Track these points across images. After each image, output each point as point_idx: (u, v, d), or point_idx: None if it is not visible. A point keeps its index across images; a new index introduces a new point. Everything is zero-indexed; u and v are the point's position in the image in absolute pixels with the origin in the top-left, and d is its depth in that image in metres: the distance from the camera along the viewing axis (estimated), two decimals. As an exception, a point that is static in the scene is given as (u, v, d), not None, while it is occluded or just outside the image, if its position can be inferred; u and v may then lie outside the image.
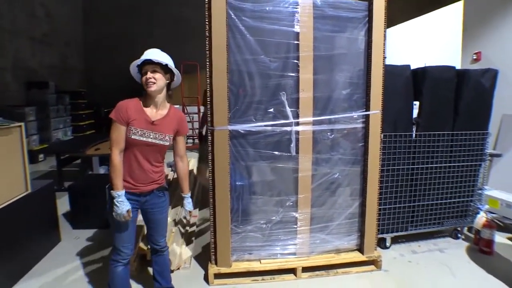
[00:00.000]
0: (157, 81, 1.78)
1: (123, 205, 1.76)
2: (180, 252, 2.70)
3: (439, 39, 5.44)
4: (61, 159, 4.68)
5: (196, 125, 8.01)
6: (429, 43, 5.69)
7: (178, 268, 2.61)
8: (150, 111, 1.83)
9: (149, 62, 1.78)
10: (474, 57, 4.24)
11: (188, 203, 2.13)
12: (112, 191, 1.77)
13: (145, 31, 9.32)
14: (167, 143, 1.89)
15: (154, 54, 1.84)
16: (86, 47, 9.20)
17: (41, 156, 6.39)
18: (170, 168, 5.51)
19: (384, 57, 2.49)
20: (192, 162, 5.97)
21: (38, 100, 6.68)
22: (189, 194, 2.14)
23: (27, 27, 6.88)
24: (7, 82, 6.25)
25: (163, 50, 1.95)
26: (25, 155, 2.64)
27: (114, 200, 1.75)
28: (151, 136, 1.82)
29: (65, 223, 3.46)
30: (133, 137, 1.78)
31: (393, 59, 5.15)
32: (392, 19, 6.27)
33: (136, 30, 9.17)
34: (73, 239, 3.12)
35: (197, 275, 2.53)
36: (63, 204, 3.65)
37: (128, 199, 1.80)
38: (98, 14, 9.23)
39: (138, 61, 1.82)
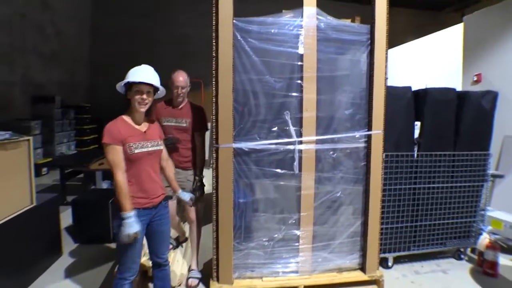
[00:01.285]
0: (149, 102, 1.87)
1: (132, 227, 1.74)
2: (181, 268, 2.70)
3: (440, 61, 5.54)
4: (65, 173, 4.72)
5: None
6: (430, 64, 5.78)
7: (179, 285, 2.60)
8: (137, 125, 1.90)
9: (145, 83, 1.83)
10: (475, 79, 4.31)
11: (184, 195, 2.19)
12: (121, 213, 1.75)
13: (149, 50, 9.52)
14: (162, 147, 2.02)
15: (151, 76, 1.87)
16: (92, 64, 9.40)
17: (44, 169, 6.42)
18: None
19: (386, 78, 2.55)
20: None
21: (44, 114, 6.77)
22: (180, 190, 2.20)
23: (37, 44, 7.06)
24: (15, 97, 6.37)
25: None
26: (32, 168, 2.68)
27: (124, 221, 1.73)
28: (149, 145, 1.90)
29: (68, 237, 3.46)
30: (136, 151, 1.82)
31: (395, 80, 5.24)
32: (394, 40, 6.41)
33: (140, 48, 9.38)
34: (75, 253, 3.12)
35: None
36: (65, 218, 3.66)
37: (141, 215, 1.83)
38: (104, 33, 9.48)
39: (134, 79, 1.81)
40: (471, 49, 4.44)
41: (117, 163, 1.78)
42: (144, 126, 1.93)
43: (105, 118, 8.51)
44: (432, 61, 5.70)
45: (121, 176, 1.77)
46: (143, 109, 1.85)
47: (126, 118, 1.88)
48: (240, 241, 2.40)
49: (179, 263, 2.76)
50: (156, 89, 1.93)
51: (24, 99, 6.63)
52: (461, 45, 4.58)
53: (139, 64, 1.93)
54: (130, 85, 1.84)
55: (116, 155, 1.78)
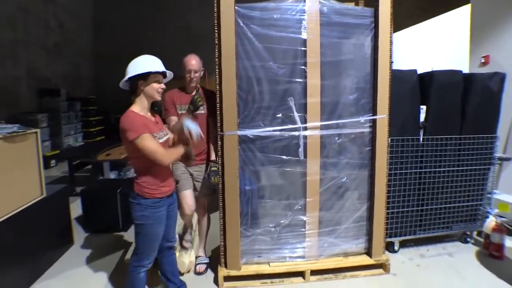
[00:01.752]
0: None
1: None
2: (189, 256, 2.74)
3: (447, 43, 5.44)
4: (73, 165, 4.79)
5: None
6: (436, 47, 5.68)
7: (188, 271, 2.65)
8: (148, 116, 1.90)
9: (161, 72, 1.86)
10: (482, 61, 4.23)
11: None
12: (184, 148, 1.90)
13: (153, 40, 9.48)
14: (169, 135, 2.04)
15: (162, 65, 1.88)
16: (97, 56, 9.42)
17: (53, 162, 6.52)
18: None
19: (391, 62, 2.52)
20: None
21: (50, 107, 6.84)
22: None
23: (41, 37, 7.08)
24: (21, 90, 6.42)
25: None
26: (40, 160, 2.72)
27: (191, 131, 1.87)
28: (163, 134, 1.93)
29: (78, 226, 3.53)
30: (160, 141, 1.84)
31: (400, 63, 5.17)
32: (399, 23, 6.29)
33: (144, 39, 9.34)
34: (86, 243, 3.19)
35: (206, 278, 2.56)
36: (75, 208, 3.73)
37: (164, 205, 1.90)
38: (107, 25, 9.45)
39: (154, 69, 1.81)
40: (479, 31, 4.34)
41: (160, 147, 1.79)
42: (152, 117, 1.94)
43: (111, 109, 8.63)
44: (438, 44, 5.60)
45: (168, 154, 1.84)
46: (160, 97, 1.88)
47: (137, 110, 1.83)
48: (247, 227, 2.43)
49: (188, 251, 2.81)
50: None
51: (30, 93, 6.68)
52: (469, 27, 4.49)
53: (144, 55, 1.92)
54: (145, 76, 1.80)
55: (154, 142, 1.76)
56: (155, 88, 1.83)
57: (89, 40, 9.38)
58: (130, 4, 9.46)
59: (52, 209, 2.85)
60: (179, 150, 1.90)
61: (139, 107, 1.85)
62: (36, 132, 2.68)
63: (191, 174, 2.56)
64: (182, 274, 2.60)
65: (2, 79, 5.86)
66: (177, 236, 2.54)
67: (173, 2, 9.58)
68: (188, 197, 2.50)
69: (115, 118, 8.87)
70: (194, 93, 2.47)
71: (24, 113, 6.22)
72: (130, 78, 1.81)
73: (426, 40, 5.93)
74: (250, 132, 2.30)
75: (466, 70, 4.30)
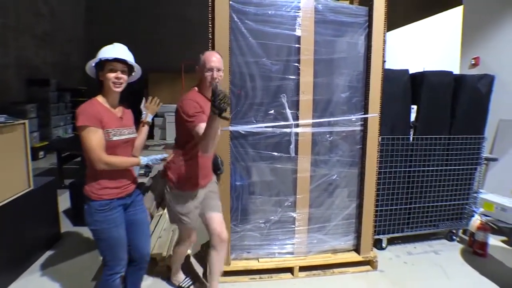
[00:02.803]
0: (124, 82, 1.71)
1: (156, 161, 1.80)
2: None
3: (439, 44, 5.49)
4: (62, 157, 4.71)
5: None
6: (428, 47, 5.73)
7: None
8: (112, 109, 1.74)
9: (120, 60, 1.67)
10: (473, 62, 4.29)
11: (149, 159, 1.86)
12: (140, 163, 1.76)
13: (147, 30, 9.36)
14: (136, 135, 1.88)
15: (126, 54, 1.73)
16: (89, 45, 9.24)
17: (41, 153, 6.42)
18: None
19: (384, 61, 2.54)
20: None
21: (39, 97, 6.71)
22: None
23: (30, 25, 6.91)
24: (9, 79, 6.28)
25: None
26: (28, 152, 2.67)
27: (152, 160, 1.80)
28: (126, 132, 1.75)
29: (66, 220, 3.49)
30: (114, 139, 1.67)
31: (393, 63, 5.20)
32: (392, 23, 6.32)
33: (138, 29, 9.21)
34: (74, 236, 3.16)
35: (195, 273, 2.56)
36: (63, 201, 3.68)
37: (114, 206, 1.70)
38: (100, 13, 9.28)
39: (107, 56, 1.65)
40: (470, 32, 4.40)
41: (100, 146, 1.60)
42: (119, 111, 1.78)
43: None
44: (431, 44, 5.65)
45: (107, 156, 1.62)
46: (118, 89, 1.69)
47: (101, 100, 1.70)
48: (236, 223, 2.44)
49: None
50: (130, 69, 1.77)
51: (19, 82, 6.55)
52: (460, 28, 4.54)
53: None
54: (102, 64, 1.66)
55: (97, 137, 1.59)
56: (109, 78, 1.65)
57: (81, 29, 9.21)
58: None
59: (40, 202, 2.81)
60: (129, 161, 1.72)
61: (103, 98, 1.72)
62: (24, 123, 2.63)
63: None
64: (170, 269, 2.60)
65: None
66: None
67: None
68: (195, 234, 2.23)
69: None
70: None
71: (12, 103, 6.09)
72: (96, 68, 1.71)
73: (418, 40, 5.97)
74: (242, 128, 2.30)
75: (457, 71, 4.35)
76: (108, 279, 1.75)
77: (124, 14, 9.29)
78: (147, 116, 2.03)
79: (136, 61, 1.77)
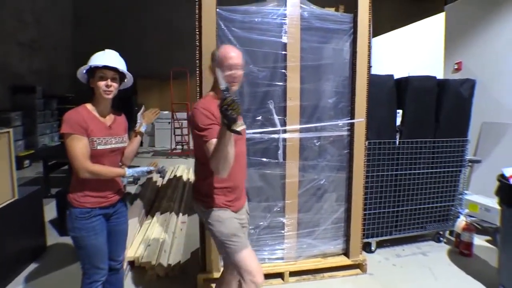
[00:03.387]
0: (114, 90, 1.69)
1: (142, 173, 1.78)
2: (168, 259, 2.72)
3: (423, 49, 5.63)
4: (48, 165, 4.63)
5: (186, 131, 8.03)
6: (413, 53, 5.88)
7: (167, 275, 2.62)
8: (102, 117, 1.72)
9: (110, 68, 1.65)
10: (455, 67, 4.41)
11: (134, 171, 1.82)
12: (123, 177, 1.72)
13: (135, 37, 9.32)
14: (126, 144, 1.83)
15: (116, 60, 1.71)
16: (75, 53, 9.15)
17: (26, 162, 6.29)
18: (158, 175, 5.52)
19: (370, 67, 2.59)
20: (181, 168, 5.99)
21: (25, 104, 6.60)
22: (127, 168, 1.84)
23: (15, 31, 6.81)
24: (-7, 87, 6.17)
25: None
26: (13, 161, 2.62)
27: (137, 172, 1.77)
28: (113, 141, 1.73)
29: (52, 230, 3.42)
30: (99, 148, 1.65)
31: (380, 68, 5.31)
32: (379, 29, 6.47)
33: (126, 35, 9.16)
34: (60, 247, 3.10)
35: (185, 281, 2.54)
36: (50, 210, 3.61)
37: (96, 215, 1.68)
38: (87, 20, 9.21)
39: (97, 63, 1.63)
40: (452, 38, 4.53)
41: (85, 154, 1.58)
42: (109, 119, 1.75)
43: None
44: (416, 50, 5.80)
45: (91, 165, 1.60)
46: (109, 96, 1.66)
47: (90, 108, 1.69)
48: (226, 229, 2.43)
49: (166, 253, 2.78)
50: (122, 77, 1.75)
51: (3, 89, 6.43)
52: (443, 34, 4.67)
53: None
54: (93, 71, 1.65)
55: (81, 145, 1.58)
56: (99, 86, 1.63)
57: (68, 36, 9.11)
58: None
59: (24, 212, 2.75)
60: (114, 172, 1.69)
61: (93, 106, 1.70)
62: (8, 132, 2.59)
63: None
64: (160, 278, 2.58)
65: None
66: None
67: (158, -2, 9.44)
68: (253, 258, 1.65)
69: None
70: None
71: (-4, 110, 5.98)
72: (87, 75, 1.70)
73: (404, 46, 6.12)
74: (230, 135, 2.30)
75: (440, 75, 4.47)
76: (87, 287, 1.73)
77: (112, 21, 9.24)
78: (141, 126, 1.96)
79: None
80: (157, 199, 4.28)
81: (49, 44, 8.06)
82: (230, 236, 1.60)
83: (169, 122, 8.29)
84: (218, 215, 1.64)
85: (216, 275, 2.40)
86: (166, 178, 5.27)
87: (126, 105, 8.79)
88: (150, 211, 3.82)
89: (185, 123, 8.03)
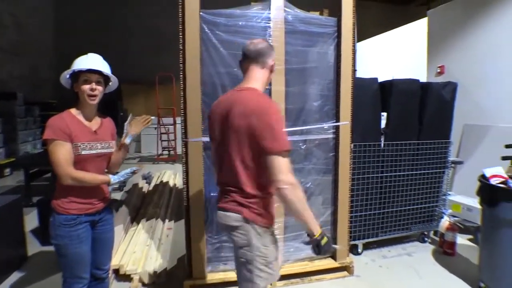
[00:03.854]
0: (99, 94, 1.65)
1: (127, 175, 1.73)
2: (154, 264, 2.66)
3: (407, 53, 5.75)
4: (30, 173, 4.50)
5: (172, 136, 7.95)
6: (398, 56, 5.99)
7: (153, 283, 2.57)
8: (87, 122, 1.68)
9: (94, 71, 1.62)
10: (438, 70, 4.51)
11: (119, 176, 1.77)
12: (109, 185, 1.67)
13: (119, 43, 9.22)
14: (113, 150, 1.79)
15: (101, 64, 1.68)
16: (58, 58, 8.98)
17: (7, 170, 6.10)
18: (144, 181, 5.44)
19: (355, 70, 2.62)
20: (167, 173, 5.91)
21: (5, 111, 6.41)
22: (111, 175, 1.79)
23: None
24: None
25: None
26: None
27: (123, 176, 1.72)
28: (99, 146, 1.69)
29: (34, 239, 3.32)
30: (83, 153, 1.61)
31: (364, 72, 5.38)
32: (365, 33, 6.58)
33: (110, 40, 9.06)
34: (41, 257, 3.00)
35: (172, 289, 2.50)
36: (31, 219, 3.51)
37: (82, 222, 1.64)
38: (70, 25, 9.07)
39: (81, 67, 1.59)
40: (435, 42, 4.64)
41: (67, 160, 1.55)
42: (95, 124, 1.72)
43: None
44: (400, 53, 5.91)
45: (75, 171, 1.57)
46: (94, 101, 1.63)
47: (74, 112, 1.65)
48: (212, 234, 2.40)
49: (152, 260, 2.73)
50: (106, 80, 1.71)
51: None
52: (426, 38, 4.78)
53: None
54: (76, 76, 1.61)
55: (63, 151, 1.54)
56: (84, 90, 1.60)
57: (50, 41, 8.93)
58: (94, 2, 9.13)
59: (2, 222, 2.65)
60: (98, 179, 1.64)
61: (77, 110, 1.67)
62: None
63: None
64: (145, 285, 2.52)
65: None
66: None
67: (143, 1, 9.37)
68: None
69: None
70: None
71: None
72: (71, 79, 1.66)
73: (389, 50, 6.24)
74: (215, 139, 2.28)
75: (424, 79, 4.56)
76: None
77: (95, 26, 9.13)
78: (127, 136, 1.85)
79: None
80: (143, 205, 4.21)
81: (31, 49, 7.89)
82: (271, 262, 1.45)
83: (155, 128, 8.19)
84: (272, 237, 1.48)
85: (202, 281, 2.37)
86: (152, 184, 5.20)
87: (110, 110, 8.68)
88: (135, 218, 3.74)
89: (171, 128, 7.95)
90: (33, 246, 3.15)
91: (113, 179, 1.69)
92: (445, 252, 3.00)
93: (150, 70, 8.22)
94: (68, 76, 1.66)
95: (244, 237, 1.41)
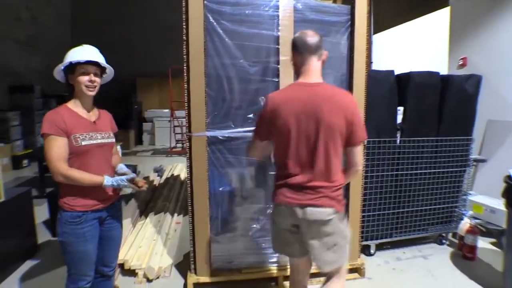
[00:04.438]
0: (97, 85, 1.62)
1: (122, 181, 1.59)
2: (160, 261, 2.63)
3: (427, 45, 5.47)
4: (43, 165, 4.57)
5: (185, 129, 7.95)
6: (418, 48, 5.72)
7: (158, 277, 2.54)
8: (85, 114, 1.64)
9: (92, 63, 1.59)
10: (460, 63, 4.25)
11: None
12: (103, 184, 1.56)
13: (133, 36, 9.25)
14: (114, 140, 1.74)
15: (98, 55, 1.64)
16: (74, 51, 9.11)
17: (25, 162, 6.25)
18: (156, 173, 5.45)
19: (370, 62, 2.47)
20: (179, 166, 5.91)
21: (23, 104, 6.57)
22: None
23: (12, 30, 6.77)
24: (-9, 85, 6.14)
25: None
26: (-2, 161, 2.55)
27: (117, 181, 1.58)
28: (99, 137, 1.64)
29: (45, 230, 3.36)
30: (83, 143, 1.56)
31: (381, 65, 5.16)
32: (381, 24, 6.31)
33: (125, 34, 9.10)
34: (51, 248, 3.02)
35: (176, 285, 2.45)
36: (43, 211, 3.55)
37: (89, 219, 1.60)
38: (87, 18, 9.15)
39: (78, 59, 1.55)
40: (457, 33, 4.37)
41: (62, 155, 1.51)
42: (93, 115, 1.68)
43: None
44: (420, 45, 5.64)
45: (67, 168, 1.51)
46: (92, 93, 1.60)
47: (71, 106, 1.62)
48: (217, 232, 2.34)
49: (158, 255, 2.70)
50: (102, 71, 1.68)
51: (1, 89, 6.39)
52: (448, 29, 4.51)
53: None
54: (73, 68, 1.57)
55: (59, 147, 1.50)
56: (82, 82, 1.56)
57: (67, 34, 9.05)
58: (111, -3, 9.20)
59: (12, 213, 2.67)
60: (90, 179, 1.55)
61: (74, 103, 1.62)
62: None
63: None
64: (150, 281, 2.49)
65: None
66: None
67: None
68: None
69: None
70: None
71: (-6, 109, 5.96)
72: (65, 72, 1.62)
73: (408, 41, 5.96)
74: (219, 133, 2.20)
75: (445, 72, 4.31)
76: None
77: (110, 20, 9.18)
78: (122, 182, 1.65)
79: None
80: (153, 198, 4.20)
81: (48, 42, 8.01)
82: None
83: (169, 120, 8.22)
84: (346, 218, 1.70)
85: (206, 279, 2.31)
86: (164, 177, 5.20)
87: (125, 103, 8.75)
88: (144, 211, 3.73)
89: (184, 121, 7.94)
90: (44, 237, 3.19)
91: (107, 181, 1.58)
92: (465, 256, 2.81)
93: (163, 63, 8.22)
94: (62, 68, 1.61)
95: (334, 226, 1.54)
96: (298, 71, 1.60)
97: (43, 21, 7.85)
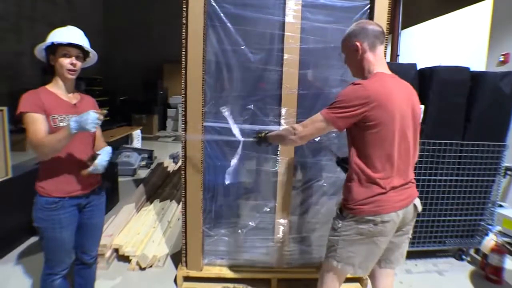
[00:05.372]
0: (78, 69, 1.56)
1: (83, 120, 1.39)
2: (156, 249, 2.59)
3: (466, 39, 4.99)
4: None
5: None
6: (453, 43, 5.24)
7: (151, 266, 2.50)
8: (64, 95, 1.58)
9: (74, 45, 1.53)
10: (501, 59, 3.82)
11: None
12: (70, 130, 1.37)
13: (161, 23, 9.31)
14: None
15: (82, 39, 1.59)
16: (105, 35, 9.34)
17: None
18: (172, 160, 5.46)
19: (397, 55, 2.22)
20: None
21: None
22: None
23: (46, 13, 7.02)
24: (24, 67, 6.42)
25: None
26: (7, 140, 2.60)
27: (81, 117, 1.38)
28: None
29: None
30: (61, 125, 1.48)
31: (415, 59, 4.77)
32: (418, 17, 5.86)
33: (153, 21, 9.18)
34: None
35: (168, 276, 2.40)
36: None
37: (67, 206, 1.54)
38: (117, 5, 9.33)
39: (61, 40, 1.49)
40: (500, 27, 3.92)
41: (41, 129, 1.43)
42: (74, 98, 1.63)
43: (117, 91, 8.63)
44: (457, 40, 5.16)
45: (45, 136, 1.42)
46: (72, 76, 1.55)
47: (50, 87, 1.57)
48: (210, 226, 2.24)
49: (154, 244, 2.66)
50: (85, 55, 1.63)
51: (35, 69, 6.67)
52: (489, 22, 4.06)
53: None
54: (54, 48, 1.52)
55: (37, 123, 1.43)
56: (63, 64, 1.51)
57: (98, 17, 9.29)
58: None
59: (19, 190, 2.73)
60: (57, 135, 1.41)
61: (53, 85, 1.58)
62: (2, 111, 2.56)
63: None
64: (143, 269, 2.46)
65: (3, 53, 5.84)
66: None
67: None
68: None
69: (121, 100, 8.81)
70: None
71: (26, 89, 6.22)
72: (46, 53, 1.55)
73: (443, 35, 5.48)
74: (216, 124, 2.08)
75: (483, 68, 3.90)
76: (46, 278, 1.63)
77: (139, 5, 9.29)
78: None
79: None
80: (163, 185, 4.20)
81: (80, 26, 8.15)
82: None
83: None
84: None
85: (197, 273, 2.23)
86: (179, 164, 5.20)
87: (151, 89, 8.87)
88: (151, 197, 3.73)
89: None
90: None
91: (72, 124, 1.38)
92: (488, 278, 2.50)
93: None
94: (44, 47, 1.55)
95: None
96: (369, 62, 1.47)
97: (77, 5, 8.08)
